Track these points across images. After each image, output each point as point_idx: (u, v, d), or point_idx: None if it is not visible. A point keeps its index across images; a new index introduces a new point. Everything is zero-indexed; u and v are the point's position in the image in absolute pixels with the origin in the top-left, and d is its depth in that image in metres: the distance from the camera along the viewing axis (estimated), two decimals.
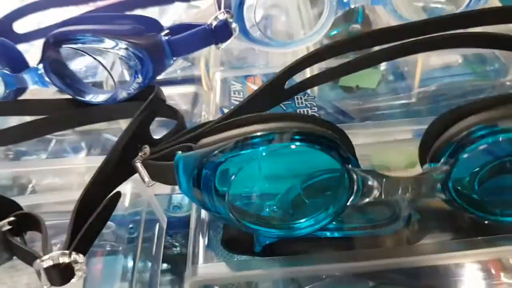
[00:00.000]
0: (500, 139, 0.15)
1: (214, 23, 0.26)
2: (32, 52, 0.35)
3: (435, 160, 0.16)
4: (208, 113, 0.28)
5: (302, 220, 0.18)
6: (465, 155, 0.15)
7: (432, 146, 0.16)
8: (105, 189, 0.21)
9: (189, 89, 0.31)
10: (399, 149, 0.23)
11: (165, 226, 0.27)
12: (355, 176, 0.16)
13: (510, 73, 0.33)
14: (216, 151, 0.16)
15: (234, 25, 0.26)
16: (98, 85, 0.31)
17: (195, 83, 0.32)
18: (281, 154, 0.16)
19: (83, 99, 0.27)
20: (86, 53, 0.26)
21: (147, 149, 0.21)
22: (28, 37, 0.38)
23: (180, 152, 0.18)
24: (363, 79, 0.31)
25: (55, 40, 0.25)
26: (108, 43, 0.25)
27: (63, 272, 0.17)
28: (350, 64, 0.27)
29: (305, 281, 0.20)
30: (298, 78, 0.26)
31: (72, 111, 0.27)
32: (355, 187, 0.16)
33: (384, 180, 0.16)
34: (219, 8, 0.28)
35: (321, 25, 0.30)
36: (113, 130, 0.32)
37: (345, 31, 0.33)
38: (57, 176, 0.28)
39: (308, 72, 0.28)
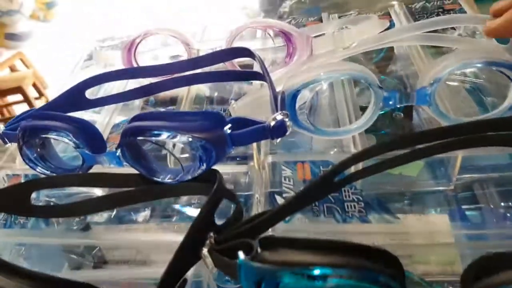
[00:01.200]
0: None
1: (272, 123, 0.29)
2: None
3: None
4: (260, 195, 0.31)
5: None
6: None
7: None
8: (178, 273, 0.24)
9: (241, 167, 0.34)
10: (440, 253, 0.25)
11: None
12: None
13: None
14: (277, 273, 0.19)
15: (289, 123, 0.29)
16: (162, 159, 0.35)
17: (247, 161, 0.35)
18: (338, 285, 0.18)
19: (155, 179, 0.31)
20: (158, 144, 0.29)
21: (212, 238, 0.24)
22: (98, 103, 0.42)
23: (242, 253, 0.21)
24: (405, 168, 0.33)
25: (132, 133, 0.29)
26: (179, 138, 0.28)
27: None
28: (395, 160, 0.30)
29: None
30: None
31: (146, 187, 0.31)
32: None
33: None
34: (275, 105, 0.31)
35: (366, 119, 0.32)
36: None
37: (388, 118, 0.35)
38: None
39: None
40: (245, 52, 0.38)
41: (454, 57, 0.31)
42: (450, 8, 0.48)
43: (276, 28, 0.39)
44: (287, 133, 0.30)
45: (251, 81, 0.42)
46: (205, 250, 0.24)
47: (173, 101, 0.44)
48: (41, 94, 2.10)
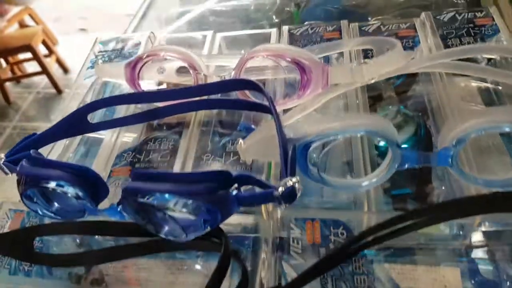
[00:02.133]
0: None
1: (281, 189, 0.27)
2: None
3: None
4: (266, 254, 0.30)
5: None
6: None
7: None
8: None
9: (249, 218, 0.33)
10: None
11: None
12: None
13: None
14: None
15: (299, 187, 0.27)
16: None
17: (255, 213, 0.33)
18: None
19: (159, 234, 0.30)
20: (159, 209, 0.27)
21: None
22: (100, 127, 0.41)
23: None
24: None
25: (131, 194, 0.28)
26: (183, 201, 0.27)
27: None
28: (412, 226, 0.28)
29: None
30: None
31: (151, 241, 0.30)
32: None
33: None
34: (285, 161, 0.29)
35: (380, 177, 0.30)
36: None
37: None
38: None
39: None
40: (252, 85, 0.36)
41: (482, 115, 0.28)
42: (481, 23, 0.44)
43: (288, 58, 0.36)
44: (297, 198, 0.28)
45: None
46: None
47: (180, 124, 0.42)
48: (51, 52, 2.08)
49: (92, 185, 0.31)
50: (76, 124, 0.40)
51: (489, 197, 0.26)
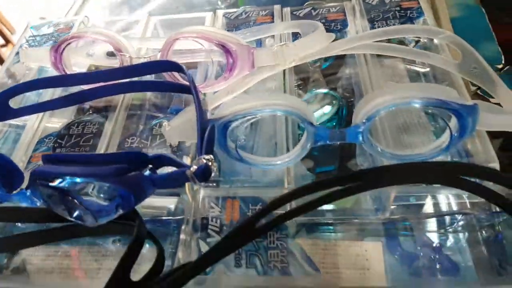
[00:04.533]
0: None
1: (195, 168, 0.27)
2: None
3: None
4: (186, 234, 0.30)
5: None
6: None
7: None
8: None
9: (172, 200, 0.33)
10: None
11: None
12: None
13: None
14: None
15: (214, 166, 0.27)
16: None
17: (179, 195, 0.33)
18: None
19: (71, 220, 0.29)
20: (68, 193, 0.27)
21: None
22: (24, 112, 0.39)
23: None
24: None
25: (39, 177, 0.27)
26: (93, 185, 0.26)
27: None
28: (321, 199, 0.29)
29: None
30: None
31: (64, 226, 0.29)
32: None
33: None
34: (201, 140, 0.29)
35: (296, 154, 0.31)
36: None
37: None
38: None
39: None
40: (175, 66, 0.35)
41: (390, 93, 0.29)
42: (407, 6, 0.45)
43: (214, 40, 0.36)
44: (212, 176, 0.28)
45: None
46: None
47: (107, 108, 0.41)
48: (7, 41, 1.97)
49: (6, 171, 0.30)
50: None
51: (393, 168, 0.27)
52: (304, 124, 0.29)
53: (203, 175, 0.27)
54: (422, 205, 0.34)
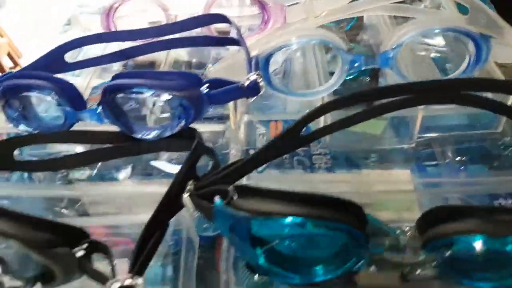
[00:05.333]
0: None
1: (247, 83, 0.31)
2: None
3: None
4: (236, 150, 0.33)
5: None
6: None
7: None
8: (162, 220, 0.26)
9: (219, 126, 0.36)
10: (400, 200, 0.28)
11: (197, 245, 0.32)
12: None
13: (500, 125, 0.38)
14: (248, 220, 0.21)
15: (262, 83, 0.31)
16: (142, 118, 0.36)
17: (224, 121, 0.37)
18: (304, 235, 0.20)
19: (135, 136, 0.32)
20: (138, 102, 0.30)
21: (191, 186, 0.26)
22: (77, 66, 0.43)
23: (218, 197, 0.23)
24: (370, 127, 0.36)
25: (112, 90, 0.30)
26: (159, 96, 0.30)
27: None
28: (360, 115, 0.32)
29: None
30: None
31: (127, 144, 0.33)
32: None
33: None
34: (250, 68, 0.33)
35: (334, 81, 0.35)
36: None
37: (356, 83, 0.38)
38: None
39: (322, 121, 0.33)
40: (221, 18, 0.39)
41: (415, 24, 0.33)
42: None
43: None
44: (261, 92, 0.32)
45: (228, 46, 0.44)
46: (185, 196, 0.26)
47: (152, 65, 0.45)
48: (16, 64, 2.04)
49: (71, 94, 0.33)
50: (53, 62, 0.42)
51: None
52: (340, 52, 0.33)
53: (254, 89, 0.31)
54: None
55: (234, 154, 0.33)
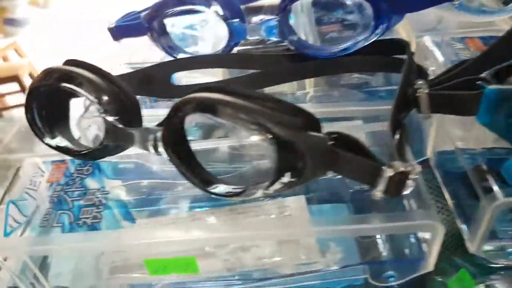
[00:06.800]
0: None
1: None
2: None
3: None
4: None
5: None
6: None
7: None
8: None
9: None
10: None
11: None
12: None
13: None
14: None
15: None
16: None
17: None
18: None
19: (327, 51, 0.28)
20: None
21: (421, 82, 0.21)
22: None
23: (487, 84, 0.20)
24: None
25: None
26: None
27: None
28: None
29: None
30: None
31: (319, 60, 0.28)
32: None
33: None
34: None
35: None
36: None
37: None
38: None
39: None
40: None
41: None
42: None
43: None
44: None
45: None
46: (421, 93, 0.21)
47: None
48: None
49: (238, 11, 0.29)
50: None
51: None
52: None
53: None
54: None
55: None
